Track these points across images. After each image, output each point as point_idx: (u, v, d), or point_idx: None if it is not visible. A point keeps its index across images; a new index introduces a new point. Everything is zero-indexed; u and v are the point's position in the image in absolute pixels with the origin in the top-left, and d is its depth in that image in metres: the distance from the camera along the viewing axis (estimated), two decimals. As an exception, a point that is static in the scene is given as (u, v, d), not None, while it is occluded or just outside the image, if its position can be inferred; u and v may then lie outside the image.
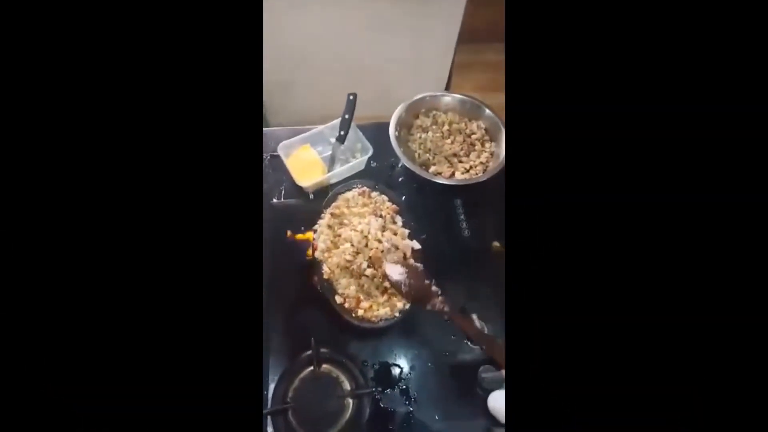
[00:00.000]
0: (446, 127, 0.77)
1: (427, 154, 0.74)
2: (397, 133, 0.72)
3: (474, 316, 0.60)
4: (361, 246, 0.61)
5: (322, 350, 0.58)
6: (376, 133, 0.75)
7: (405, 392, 0.57)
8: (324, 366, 0.58)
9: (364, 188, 0.69)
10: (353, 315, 0.59)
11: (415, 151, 0.75)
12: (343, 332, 0.60)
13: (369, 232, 0.61)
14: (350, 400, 0.56)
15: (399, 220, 0.67)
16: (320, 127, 0.76)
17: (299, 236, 0.67)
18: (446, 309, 0.55)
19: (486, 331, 0.60)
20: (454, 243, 0.69)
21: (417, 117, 0.78)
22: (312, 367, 0.57)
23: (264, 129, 0.83)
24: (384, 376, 0.58)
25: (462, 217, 0.70)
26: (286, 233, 0.67)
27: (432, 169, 0.72)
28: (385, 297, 0.60)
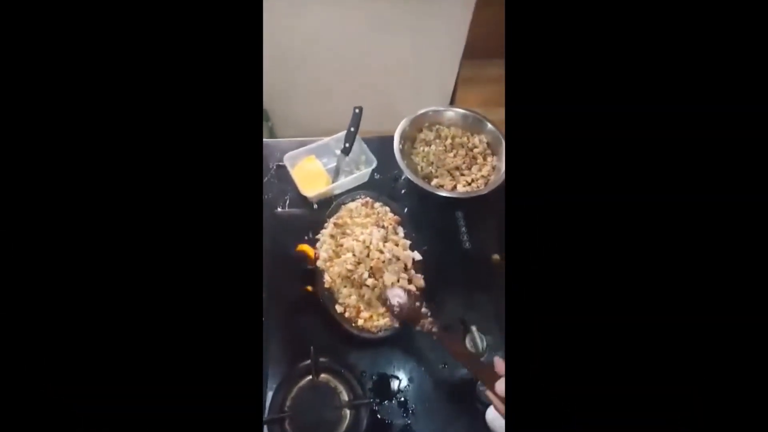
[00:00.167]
0: (449, 140, 0.78)
1: (430, 167, 0.76)
2: (400, 146, 0.73)
3: (473, 328, 0.60)
4: (363, 256, 0.61)
5: (321, 359, 0.58)
6: (381, 146, 0.76)
7: (403, 404, 0.57)
8: (322, 375, 0.58)
9: (367, 199, 0.70)
10: (353, 325, 0.59)
11: (418, 164, 0.76)
12: (343, 342, 0.60)
13: (371, 243, 0.62)
14: (347, 411, 0.55)
15: (401, 231, 0.67)
16: (326, 139, 0.77)
17: (299, 248, 0.67)
18: (434, 329, 0.56)
19: (485, 343, 0.60)
20: (455, 255, 0.69)
21: (420, 131, 0.80)
22: (310, 376, 0.57)
23: (271, 140, 0.85)
24: (382, 387, 0.58)
25: (463, 229, 0.71)
26: (295, 247, 0.68)
27: (434, 181, 0.73)
28: (385, 308, 0.60)
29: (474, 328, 0.60)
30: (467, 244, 0.70)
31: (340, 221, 0.66)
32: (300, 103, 1.36)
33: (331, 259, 0.63)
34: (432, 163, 0.76)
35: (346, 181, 0.74)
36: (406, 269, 0.63)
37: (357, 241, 0.62)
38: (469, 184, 0.73)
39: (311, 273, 0.63)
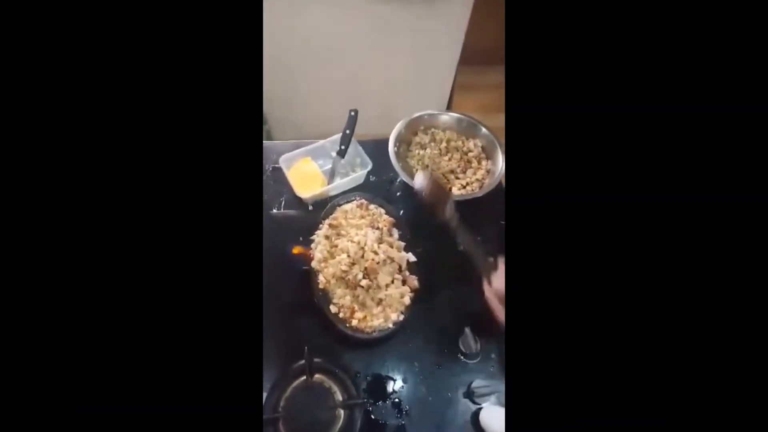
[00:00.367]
0: (444, 144, 0.79)
1: (425, 170, 0.76)
2: (396, 149, 0.74)
3: (467, 329, 0.61)
4: (358, 257, 0.62)
5: (316, 360, 0.58)
6: (376, 148, 0.77)
7: (397, 405, 0.57)
8: (317, 376, 0.58)
9: (363, 201, 0.71)
10: (347, 325, 0.59)
11: (414, 167, 0.77)
12: (337, 342, 0.61)
13: (365, 244, 0.62)
14: (341, 411, 0.55)
15: (395, 232, 0.68)
16: (321, 142, 0.78)
17: (295, 250, 0.68)
18: (454, 217, 0.58)
19: (479, 345, 0.60)
20: (449, 257, 0.69)
21: (416, 134, 0.81)
22: (305, 377, 0.57)
23: (267, 142, 0.85)
24: (376, 388, 0.58)
25: (457, 231, 0.71)
26: (292, 249, 0.68)
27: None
28: (380, 308, 0.60)
29: (468, 330, 0.61)
30: (461, 247, 0.70)
31: (335, 222, 0.67)
32: (296, 106, 1.37)
33: (325, 260, 0.63)
34: (427, 166, 0.77)
35: (341, 183, 0.74)
36: (400, 270, 0.64)
37: (352, 242, 0.63)
38: (464, 188, 0.74)
39: (306, 274, 0.64)
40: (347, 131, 0.76)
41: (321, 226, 0.67)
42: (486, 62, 1.58)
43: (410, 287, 0.63)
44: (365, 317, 0.60)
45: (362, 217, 0.69)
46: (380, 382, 0.58)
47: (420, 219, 0.73)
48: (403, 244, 0.66)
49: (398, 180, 0.77)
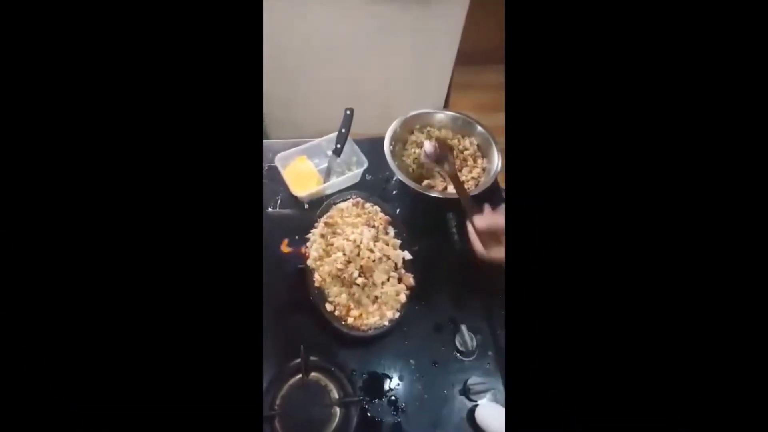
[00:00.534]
0: (440, 143, 0.79)
1: (421, 169, 0.76)
2: (391, 147, 0.74)
3: (463, 327, 0.61)
4: (353, 255, 0.62)
5: (312, 358, 0.58)
6: (372, 147, 0.77)
7: (393, 403, 0.57)
8: (313, 374, 0.58)
9: (358, 199, 0.71)
10: (343, 323, 0.59)
11: (409, 166, 0.77)
12: (333, 341, 0.60)
13: (361, 242, 0.62)
14: (337, 409, 0.55)
15: (391, 230, 0.68)
16: (317, 140, 0.78)
17: (285, 248, 0.68)
18: (450, 170, 0.67)
19: (475, 342, 0.60)
20: (445, 255, 0.70)
21: (412, 133, 0.81)
22: (301, 375, 0.57)
23: (264, 141, 0.85)
24: (372, 385, 0.58)
25: (453, 230, 0.72)
26: (281, 246, 0.68)
27: (425, 182, 0.74)
28: (375, 306, 0.60)
29: (464, 327, 0.61)
30: (457, 245, 0.70)
31: (330, 221, 0.67)
32: (295, 106, 1.37)
33: (321, 258, 0.63)
34: (422, 164, 0.77)
35: (337, 182, 0.74)
36: (396, 268, 0.64)
37: (347, 240, 0.63)
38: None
39: (302, 272, 0.64)
40: (343, 130, 0.76)
41: (316, 224, 0.67)
42: (482, 62, 1.58)
43: (406, 285, 0.63)
44: (361, 315, 0.60)
45: (358, 215, 0.69)
46: (376, 380, 0.58)
47: (416, 217, 0.73)
48: (398, 242, 0.66)
49: (394, 179, 0.77)
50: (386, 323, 0.60)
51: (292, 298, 0.64)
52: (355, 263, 0.61)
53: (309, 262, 0.63)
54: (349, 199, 0.71)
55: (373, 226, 0.66)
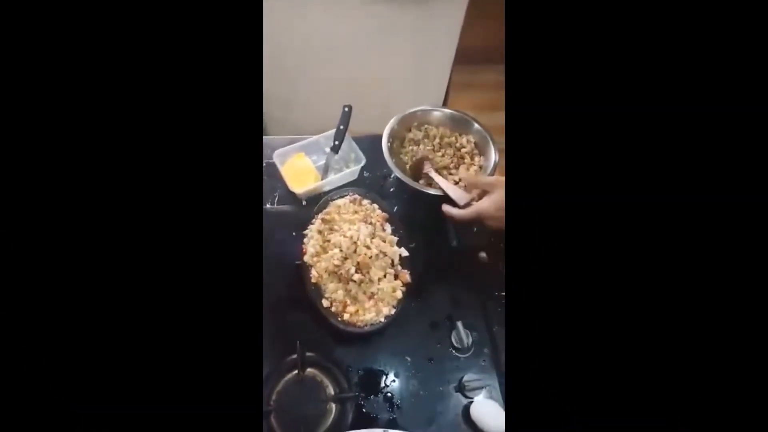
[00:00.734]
0: (437, 140, 0.79)
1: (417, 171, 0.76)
2: (389, 144, 0.74)
3: (459, 324, 0.61)
4: (350, 252, 0.62)
5: (308, 354, 0.58)
6: (370, 144, 0.77)
7: (389, 399, 0.57)
8: (309, 370, 0.58)
9: (356, 196, 0.71)
10: (339, 319, 0.60)
11: (407, 163, 0.77)
12: (329, 337, 0.61)
13: (358, 239, 0.62)
14: (333, 405, 0.56)
15: (388, 227, 0.68)
16: (315, 137, 0.78)
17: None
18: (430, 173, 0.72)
19: (471, 339, 0.61)
20: (442, 252, 0.70)
21: (409, 130, 0.81)
22: (297, 371, 0.57)
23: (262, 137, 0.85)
24: (368, 382, 0.58)
25: (450, 226, 0.72)
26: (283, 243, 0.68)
27: (422, 180, 0.74)
28: (372, 302, 0.61)
29: (460, 324, 0.61)
30: (454, 242, 0.70)
31: (327, 217, 0.67)
32: (295, 105, 1.37)
33: (318, 254, 0.63)
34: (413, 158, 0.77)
35: (335, 179, 0.74)
36: (392, 265, 0.64)
37: (344, 237, 0.63)
38: (457, 183, 0.74)
39: (298, 268, 0.64)
40: (341, 127, 0.76)
41: (314, 220, 0.67)
42: (481, 62, 1.58)
43: (402, 282, 0.63)
44: (357, 311, 0.60)
45: (355, 212, 0.69)
46: (372, 376, 0.59)
47: (413, 215, 0.73)
48: (395, 239, 0.66)
49: (392, 176, 0.77)
50: (382, 320, 0.60)
51: (289, 295, 0.64)
52: (352, 260, 0.61)
53: (306, 258, 0.63)
54: (346, 195, 0.71)
55: (371, 223, 0.66)
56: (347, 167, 0.77)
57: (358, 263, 0.61)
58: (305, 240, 0.66)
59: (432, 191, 0.71)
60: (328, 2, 1.10)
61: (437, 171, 0.75)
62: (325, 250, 0.63)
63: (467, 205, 0.64)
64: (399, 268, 0.64)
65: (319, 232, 0.65)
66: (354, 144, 0.77)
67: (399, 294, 0.62)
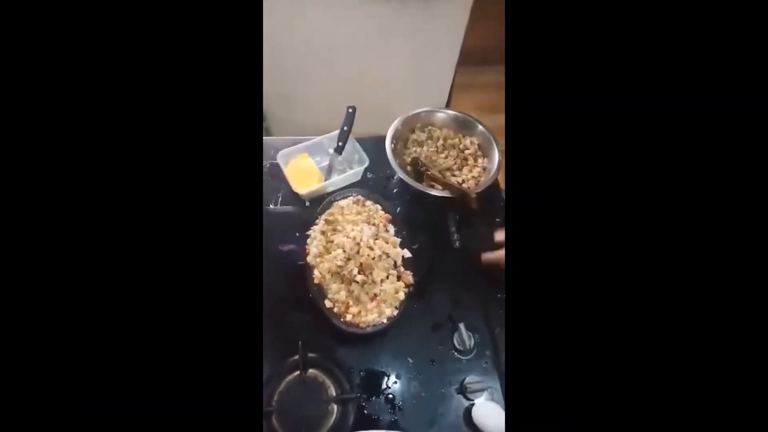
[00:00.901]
0: (441, 141, 0.79)
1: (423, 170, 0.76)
2: (393, 146, 0.74)
3: (461, 326, 0.61)
4: (353, 252, 0.62)
5: (310, 355, 0.58)
6: (374, 145, 0.77)
7: (390, 401, 0.57)
8: (310, 370, 0.58)
9: (359, 197, 0.71)
10: (342, 320, 0.60)
11: (409, 164, 0.77)
12: (331, 338, 0.61)
13: (361, 239, 0.63)
14: (335, 406, 0.56)
15: (391, 228, 0.68)
16: (319, 138, 0.78)
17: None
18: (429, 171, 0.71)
19: (473, 341, 0.61)
20: (445, 253, 0.70)
21: (413, 131, 0.81)
22: (298, 371, 0.57)
23: (265, 138, 0.85)
24: (370, 383, 0.58)
25: (453, 228, 0.72)
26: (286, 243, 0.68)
27: (425, 181, 0.74)
28: (374, 303, 0.61)
29: (462, 326, 0.61)
30: (457, 243, 0.70)
31: (331, 218, 0.67)
32: (296, 106, 1.37)
33: (321, 255, 0.63)
34: (425, 163, 0.77)
35: (338, 180, 0.74)
36: (395, 266, 0.64)
37: (347, 237, 0.63)
38: (460, 185, 0.74)
39: (301, 269, 0.64)
40: (345, 128, 0.76)
41: (317, 221, 0.68)
42: (484, 63, 1.58)
43: (405, 283, 0.63)
44: (360, 312, 0.60)
45: (358, 213, 0.69)
46: (374, 377, 0.59)
47: (416, 216, 0.73)
48: (398, 240, 0.66)
49: (395, 177, 0.78)
50: (385, 321, 0.60)
51: (292, 295, 0.64)
52: (355, 260, 0.61)
53: (309, 258, 0.63)
54: (349, 196, 0.71)
55: (374, 224, 0.66)
56: (351, 168, 0.77)
57: (361, 264, 0.61)
58: (308, 241, 0.66)
59: (435, 192, 0.71)
60: (329, 2, 1.10)
61: (440, 172, 0.75)
62: (328, 251, 0.63)
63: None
64: (402, 269, 0.64)
65: (323, 232, 0.65)
66: (357, 145, 0.77)
67: (402, 295, 0.62)
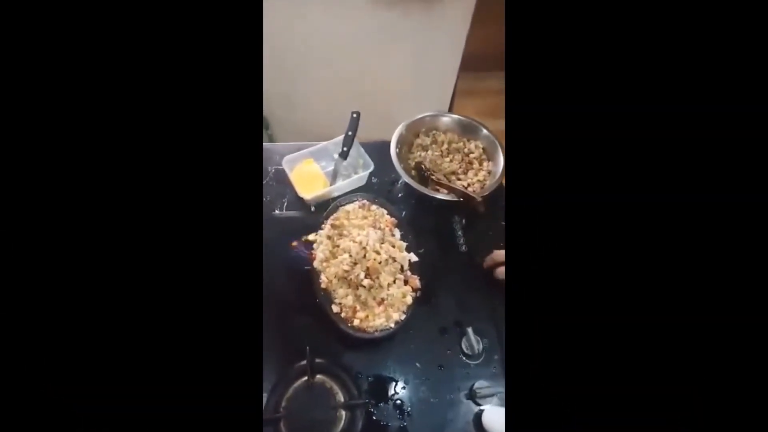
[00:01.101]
0: (445, 146, 0.79)
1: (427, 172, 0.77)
2: (397, 150, 0.75)
3: (469, 330, 0.61)
4: (360, 257, 0.62)
5: (317, 360, 0.58)
6: (378, 150, 0.77)
7: (399, 406, 0.57)
8: (318, 376, 0.58)
9: (365, 201, 0.71)
10: (349, 325, 0.59)
11: (413, 169, 0.78)
12: (339, 343, 0.60)
13: (367, 244, 0.63)
14: (343, 412, 0.55)
15: (397, 233, 0.68)
16: (324, 143, 0.79)
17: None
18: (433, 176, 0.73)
19: (482, 345, 0.60)
20: (451, 257, 0.70)
21: (417, 136, 0.81)
22: (306, 377, 0.57)
23: (270, 144, 0.86)
24: (378, 388, 0.58)
25: (459, 233, 0.72)
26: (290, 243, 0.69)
27: (431, 185, 0.74)
28: (382, 308, 0.60)
29: (470, 331, 0.61)
30: (463, 247, 0.70)
31: (337, 222, 0.67)
32: (299, 112, 1.38)
33: (327, 259, 0.63)
34: (429, 168, 0.77)
35: (343, 184, 0.74)
36: (402, 270, 0.64)
37: (354, 242, 0.63)
38: (466, 189, 0.74)
39: (308, 274, 0.64)
40: (349, 133, 0.77)
41: (323, 226, 0.68)
42: (486, 68, 1.59)
43: (412, 287, 0.62)
44: (367, 317, 0.59)
45: (364, 217, 0.69)
46: (382, 382, 0.58)
47: (422, 220, 0.73)
48: (404, 244, 0.66)
49: (400, 181, 0.78)
50: (392, 325, 0.59)
51: (299, 300, 0.64)
52: (362, 265, 0.61)
53: (315, 263, 0.63)
54: (355, 201, 0.71)
55: (380, 228, 0.66)
56: (356, 173, 0.78)
57: (367, 268, 0.61)
58: (314, 245, 0.66)
59: (440, 196, 0.71)
60: (330, 8, 1.11)
61: (445, 176, 0.75)
62: (334, 256, 0.63)
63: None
64: (408, 273, 0.64)
65: (329, 237, 0.65)
66: (362, 150, 0.78)
67: (409, 299, 0.61)
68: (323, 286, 0.61)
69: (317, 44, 1.20)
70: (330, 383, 0.57)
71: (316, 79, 1.29)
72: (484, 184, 0.74)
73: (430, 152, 0.79)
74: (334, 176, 0.76)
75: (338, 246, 0.64)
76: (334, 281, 0.61)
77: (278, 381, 0.57)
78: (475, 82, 1.57)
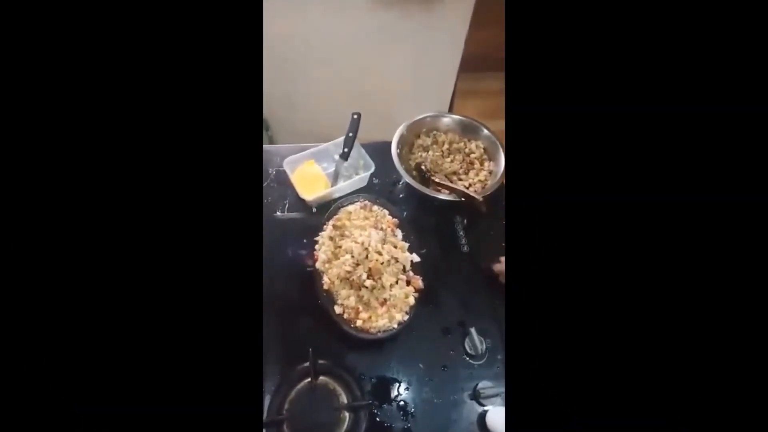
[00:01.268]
0: (446, 146, 0.79)
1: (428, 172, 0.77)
2: (398, 151, 0.75)
3: (473, 330, 0.60)
4: (362, 258, 0.61)
5: (320, 362, 0.58)
6: (379, 151, 0.77)
7: (402, 407, 0.56)
8: (321, 378, 0.57)
9: (366, 202, 0.71)
10: (352, 326, 0.59)
11: (414, 169, 0.78)
12: (342, 344, 0.60)
13: (369, 244, 0.62)
14: (346, 413, 0.55)
15: (399, 233, 0.68)
16: (325, 144, 0.79)
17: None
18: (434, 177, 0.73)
19: (485, 345, 0.60)
20: (453, 257, 0.70)
21: (418, 136, 0.81)
22: (309, 379, 0.57)
23: (271, 146, 0.86)
24: (381, 389, 0.58)
25: (461, 233, 0.72)
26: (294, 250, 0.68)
27: (432, 186, 0.74)
28: (384, 308, 0.60)
29: (473, 331, 0.61)
30: (465, 248, 0.70)
31: (338, 223, 0.67)
32: (299, 113, 1.38)
33: (329, 260, 0.63)
34: (430, 168, 0.77)
35: (344, 185, 0.74)
36: (404, 271, 0.63)
37: (356, 242, 0.63)
38: (467, 189, 0.74)
39: (310, 275, 0.64)
40: (350, 134, 0.77)
41: (325, 227, 0.68)
42: (486, 69, 1.59)
43: (414, 287, 0.62)
44: (370, 317, 0.59)
45: (366, 218, 0.69)
46: (385, 384, 0.58)
47: (423, 220, 0.73)
48: (406, 244, 0.66)
49: (401, 182, 0.78)
50: (395, 326, 0.59)
51: (301, 302, 0.64)
52: (364, 266, 0.61)
53: (317, 264, 0.63)
54: (356, 202, 0.71)
55: (381, 229, 0.66)
56: (357, 174, 0.78)
57: (369, 269, 0.61)
58: (317, 247, 0.66)
59: (441, 196, 0.71)
60: (331, 11, 1.11)
61: (446, 176, 0.75)
62: (336, 257, 0.63)
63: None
64: (411, 273, 0.64)
65: (331, 238, 0.65)
66: (363, 151, 0.78)
67: (411, 300, 0.61)
68: (326, 287, 0.61)
69: (317, 45, 1.20)
70: (333, 385, 0.57)
71: (316, 79, 1.29)
72: (486, 184, 0.74)
73: (431, 153, 0.79)
74: (335, 177, 0.76)
75: (340, 247, 0.64)
76: (337, 282, 0.61)
77: (281, 383, 0.57)
78: (474, 82, 1.57)
